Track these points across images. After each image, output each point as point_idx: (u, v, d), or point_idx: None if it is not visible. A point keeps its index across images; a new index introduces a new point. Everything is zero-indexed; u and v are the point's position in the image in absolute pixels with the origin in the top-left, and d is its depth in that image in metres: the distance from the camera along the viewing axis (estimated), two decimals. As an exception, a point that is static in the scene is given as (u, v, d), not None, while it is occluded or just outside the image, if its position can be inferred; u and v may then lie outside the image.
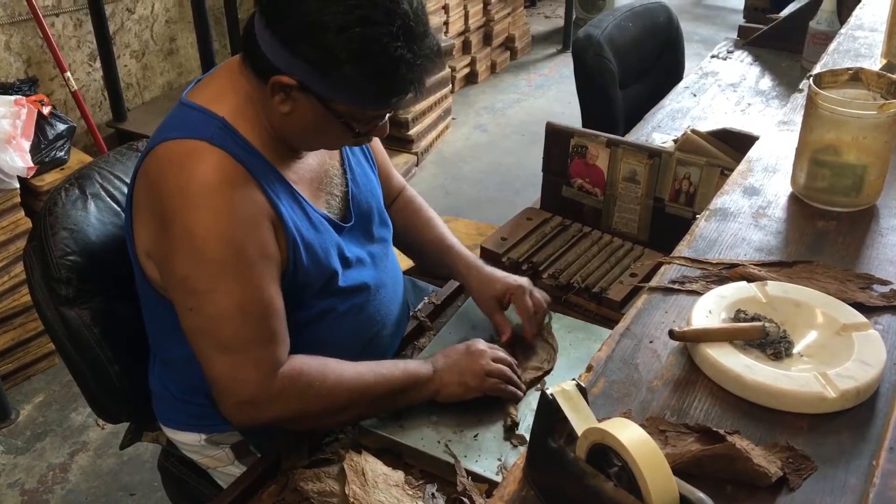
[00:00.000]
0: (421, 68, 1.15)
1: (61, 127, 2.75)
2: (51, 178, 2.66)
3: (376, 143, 1.52)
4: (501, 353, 1.36)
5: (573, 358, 1.43)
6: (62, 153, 2.73)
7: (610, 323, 1.50)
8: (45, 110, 2.74)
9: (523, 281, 1.49)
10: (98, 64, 3.40)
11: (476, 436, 1.27)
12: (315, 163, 1.34)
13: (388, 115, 1.24)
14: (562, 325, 1.50)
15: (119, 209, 1.44)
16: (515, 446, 1.24)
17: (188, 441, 1.45)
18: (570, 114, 3.88)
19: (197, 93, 1.25)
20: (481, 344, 1.37)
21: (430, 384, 1.31)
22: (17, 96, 2.68)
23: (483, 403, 1.32)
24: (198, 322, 1.19)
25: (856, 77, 1.27)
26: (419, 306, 1.61)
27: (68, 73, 3.05)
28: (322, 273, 1.28)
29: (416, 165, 3.90)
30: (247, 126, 1.21)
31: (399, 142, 3.88)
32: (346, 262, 1.33)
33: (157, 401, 1.45)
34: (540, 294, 1.48)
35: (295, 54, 1.12)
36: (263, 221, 1.20)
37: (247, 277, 1.17)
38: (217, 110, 1.21)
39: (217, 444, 1.44)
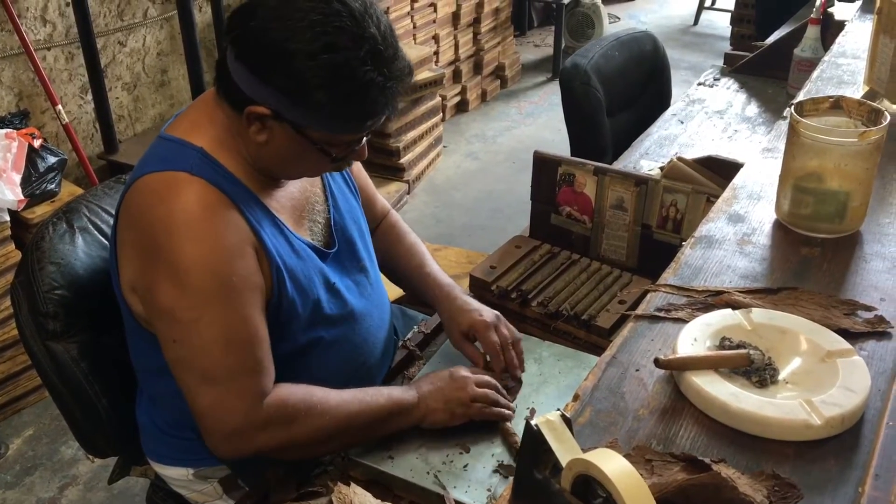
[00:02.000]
0: (392, 90, 1.16)
1: (52, 160, 2.76)
2: (42, 211, 2.66)
3: (357, 167, 1.53)
4: (485, 377, 1.36)
5: (562, 386, 1.43)
6: (53, 185, 2.74)
7: (599, 350, 1.49)
8: (37, 143, 2.74)
9: (489, 316, 1.44)
10: (90, 96, 3.41)
11: (465, 466, 1.26)
12: (296, 190, 1.34)
13: (364, 139, 1.24)
14: (551, 353, 1.50)
15: (107, 243, 1.44)
16: (505, 477, 1.24)
17: (176, 476, 1.44)
18: (560, 141, 3.91)
19: (175, 126, 1.26)
20: (464, 370, 1.36)
21: (415, 411, 1.30)
22: (8, 130, 2.69)
23: (472, 431, 1.31)
24: (182, 353, 1.18)
25: (837, 105, 1.28)
26: (409, 335, 1.60)
27: (59, 107, 3.06)
28: (306, 301, 1.28)
29: (408, 193, 3.91)
30: (226, 155, 1.22)
31: (390, 170, 3.90)
32: (330, 290, 1.33)
33: (144, 435, 1.44)
34: (507, 329, 1.45)
35: (266, 83, 1.13)
36: (247, 249, 1.20)
37: (232, 307, 1.17)
38: (195, 141, 1.21)
39: (205, 478, 1.43)
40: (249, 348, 1.19)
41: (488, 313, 1.46)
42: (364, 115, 1.16)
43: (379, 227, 1.62)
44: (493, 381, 1.37)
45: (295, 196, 1.33)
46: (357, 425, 1.26)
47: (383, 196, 1.67)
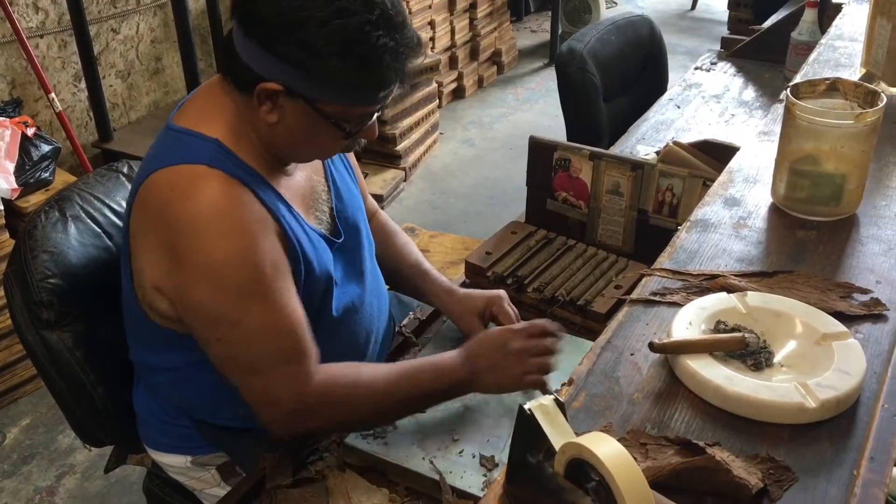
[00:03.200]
0: (404, 57, 1.14)
1: (46, 148, 2.74)
2: (35, 200, 2.65)
3: (352, 161, 1.52)
4: (543, 344, 1.30)
5: (558, 370, 1.42)
6: (47, 174, 2.73)
7: (595, 335, 1.48)
8: (30, 132, 2.73)
9: (500, 291, 1.52)
10: (83, 84, 3.39)
11: (461, 452, 1.26)
12: (303, 179, 1.33)
13: (375, 115, 1.22)
14: (547, 339, 1.50)
15: (100, 231, 1.44)
16: (488, 469, 1.23)
17: (174, 463, 1.43)
18: (557, 127, 3.89)
19: (184, 116, 1.23)
20: (517, 341, 1.29)
21: (467, 387, 1.30)
22: (1, 118, 2.68)
23: (466, 418, 1.31)
24: (226, 350, 1.18)
25: (833, 87, 1.27)
26: (404, 322, 1.60)
27: (53, 94, 3.04)
28: (317, 289, 1.28)
29: (404, 181, 3.90)
30: (239, 145, 1.20)
31: (387, 157, 3.89)
32: (337, 279, 1.33)
33: (141, 423, 1.44)
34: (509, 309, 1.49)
35: (277, 57, 1.11)
36: (272, 236, 1.19)
37: (270, 298, 1.16)
38: (209, 132, 1.19)
39: (203, 465, 1.43)
40: (292, 335, 1.19)
41: (497, 290, 1.52)
42: (378, 82, 1.14)
43: (370, 224, 1.60)
44: (547, 345, 1.31)
45: (302, 185, 1.32)
46: (408, 403, 1.28)
47: (380, 183, 1.67)
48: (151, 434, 1.44)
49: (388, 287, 1.58)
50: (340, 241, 1.35)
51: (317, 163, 1.38)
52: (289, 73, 1.12)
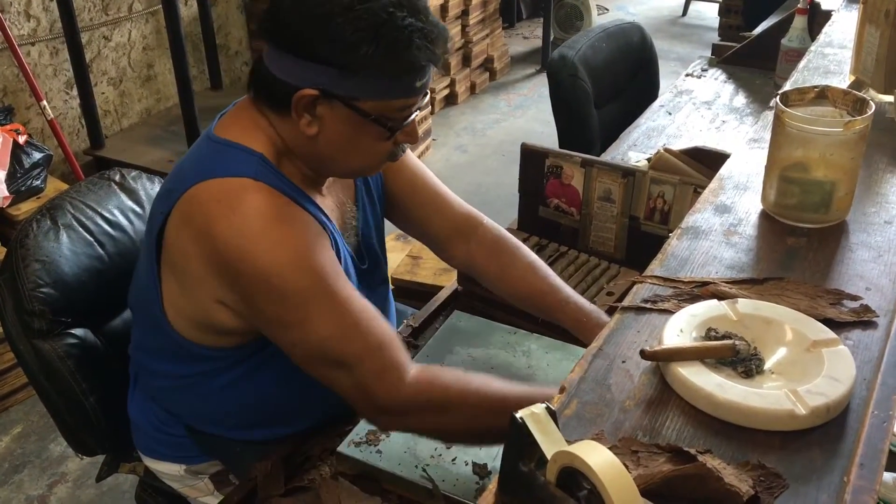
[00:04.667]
0: (433, 37, 1.14)
1: (38, 156, 2.74)
2: (27, 208, 2.65)
3: (416, 166, 1.48)
4: None
5: (551, 378, 1.42)
6: (39, 182, 2.72)
7: (586, 342, 1.50)
8: (21, 139, 2.73)
9: None
10: (75, 92, 3.39)
11: (454, 459, 1.26)
12: (335, 200, 1.33)
13: (415, 113, 1.21)
14: (539, 346, 1.50)
15: (92, 240, 1.43)
16: (480, 476, 1.23)
17: (168, 471, 1.43)
18: (549, 133, 3.90)
19: (226, 129, 1.22)
20: None
21: None
22: (-7, 126, 2.67)
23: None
24: (306, 351, 1.17)
25: (822, 94, 1.28)
26: (398, 329, 1.61)
27: (45, 102, 3.04)
28: None
29: (397, 187, 3.90)
30: (281, 163, 1.20)
31: (379, 164, 3.89)
32: None
33: (136, 430, 1.44)
34: None
35: (311, 60, 1.12)
36: (323, 239, 1.19)
37: (334, 294, 1.16)
38: (254, 146, 1.19)
39: (196, 474, 1.42)
40: (366, 328, 1.17)
41: None
42: (410, 65, 1.13)
43: (473, 238, 1.51)
44: None
45: (334, 208, 1.32)
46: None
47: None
48: (146, 441, 1.43)
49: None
50: (364, 267, 1.35)
51: (349, 185, 1.37)
52: (324, 73, 1.12)
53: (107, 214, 1.48)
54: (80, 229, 1.43)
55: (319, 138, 1.17)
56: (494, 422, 1.14)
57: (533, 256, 1.51)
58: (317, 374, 1.19)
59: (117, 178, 1.56)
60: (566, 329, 1.44)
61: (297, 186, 1.21)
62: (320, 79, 1.12)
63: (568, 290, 1.46)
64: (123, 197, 1.53)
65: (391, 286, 1.80)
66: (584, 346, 1.41)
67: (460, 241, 1.51)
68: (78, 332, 1.38)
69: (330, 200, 1.32)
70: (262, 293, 1.13)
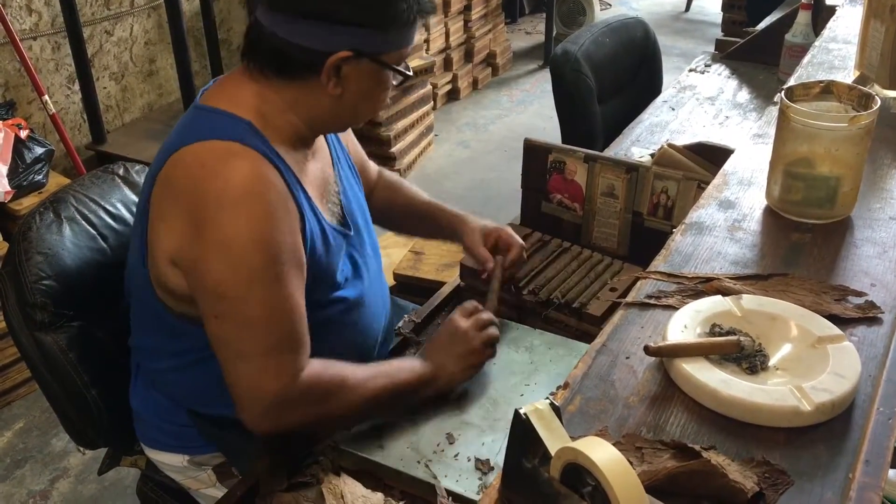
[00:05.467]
0: None
1: (39, 150, 2.74)
2: (29, 202, 2.65)
3: (348, 134, 1.54)
4: (483, 316, 1.39)
5: (553, 374, 1.42)
6: (40, 177, 2.72)
7: (590, 338, 1.49)
8: (23, 134, 2.73)
9: (506, 226, 1.61)
10: (77, 86, 3.39)
11: (456, 455, 1.26)
12: (318, 169, 1.35)
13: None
14: (542, 342, 1.50)
15: (95, 233, 1.43)
16: (483, 472, 1.23)
17: (171, 462, 1.43)
18: (551, 129, 3.90)
19: (213, 98, 1.25)
20: (459, 322, 1.38)
21: (437, 381, 1.33)
22: (-5, 120, 2.67)
23: (462, 422, 1.31)
24: (223, 329, 1.18)
25: (827, 90, 1.28)
26: (400, 324, 1.60)
27: (46, 97, 3.04)
28: (324, 283, 1.30)
29: (399, 183, 3.90)
30: (269, 130, 1.22)
31: (381, 159, 3.88)
32: (343, 273, 1.34)
33: (138, 421, 1.44)
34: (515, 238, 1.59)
35: (341, 23, 1.15)
36: (295, 225, 1.20)
37: (278, 285, 1.17)
38: (240, 114, 1.21)
39: (199, 465, 1.42)
40: (291, 326, 1.19)
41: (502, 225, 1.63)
42: (425, 15, 1.21)
43: (377, 186, 1.66)
44: (488, 315, 1.41)
45: (318, 176, 1.34)
46: (385, 401, 1.29)
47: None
48: (149, 432, 1.43)
49: (392, 282, 1.60)
50: (351, 233, 1.37)
51: (327, 156, 1.40)
52: (355, 35, 1.16)
53: (109, 208, 1.48)
54: (83, 222, 1.43)
55: (344, 97, 1.22)
56: (366, 404, 1.27)
57: (412, 185, 1.71)
58: (220, 356, 1.19)
59: (121, 171, 1.55)
60: (444, 233, 1.64)
61: (282, 157, 1.22)
62: (353, 40, 1.17)
63: (437, 201, 1.66)
64: (126, 190, 1.53)
65: (393, 281, 1.80)
66: (579, 336, 1.41)
67: (374, 189, 1.66)
68: (80, 324, 1.37)
69: (314, 168, 1.33)
70: (217, 257, 1.14)
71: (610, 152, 2.22)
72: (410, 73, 1.27)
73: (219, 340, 1.19)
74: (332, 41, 1.16)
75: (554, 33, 5.45)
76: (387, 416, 1.31)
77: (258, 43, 1.21)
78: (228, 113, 1.21)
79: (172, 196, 1.18)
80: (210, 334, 1.20)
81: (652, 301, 1.10)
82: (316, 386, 1.22)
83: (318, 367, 1.23)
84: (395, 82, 1.26)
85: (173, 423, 1.39)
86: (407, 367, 1.33)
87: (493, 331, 1.39)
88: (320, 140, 1.37)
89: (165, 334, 1.30)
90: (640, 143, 2.33)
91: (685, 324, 1.01)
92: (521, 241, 1.59)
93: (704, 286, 1.11)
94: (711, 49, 3.07)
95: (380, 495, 1.21)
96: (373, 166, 1.67)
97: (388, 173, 1.70)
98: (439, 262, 2.42)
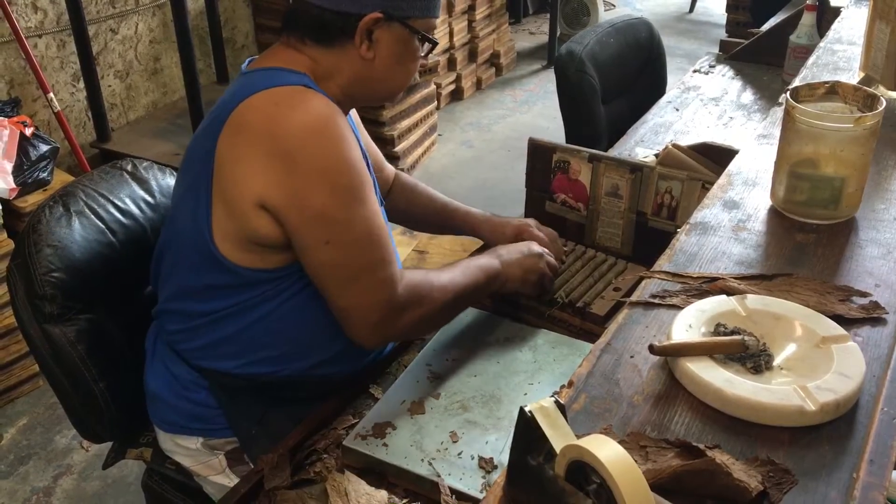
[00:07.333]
0: None
1: (44, 148, 2.74)
2: (34, 200, 2.65)
3: (366, 136, 1.60)
4: (554, 262, 1.59)
5: (557, 373, 1.42)
6: (45, 174, 2.73)
7: (594, 338, 1.49)
8: (28, 131, 2.73)
9: (529, 220, 1.69)
10: (82, 84, 3.39)
11: (460, 453, 1.26)
12: None
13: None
14: (546, 341, 1.50)
15: (103, 227, 1.44)
16: (487, 471, 1.23)
17: (184, 444, 1.43)
18: (555, 129, 3.90)
19: (263, 63, 1.31)
20: (535, 246, 1.56)
21: (500, 276, 1.48)
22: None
23: (466, 420, 1.31)
24: (336, 254, 1.24)
25: (832, 90, 1.28)
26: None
27: (51, 94, 3.04)
28: None
29: (403, 182, 3.91)
30: (322, 87, 1.29)
31: (385, 158, 3.89)
32: None
33: (153, 404, 1.43)
34: (547, 229, 1.70)
35: None
36: (362, 154, 1.29)
37: (370, 201, 1.26)
38: (297, 69, 1.28)
39: (213, 449, 1.42)
40: (386, 239, 1.29)
41: (528, 219, 1.71)
42: None
43: (393, 186, 1.74)
44: (554, 262, 1.59)
45: None
46: (464, 297, 1.42)
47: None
48: (164, 414, 1.42)
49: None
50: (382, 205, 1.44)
51: None
52: None
53: (118, 203, 1.48)
54: (92, 216, 1.44)
55: (375, 61, 1.29)
56: (453, 301, 1.39)
57: (429, 188, 1.78)
58: (328, 283, 1.26)
59: (129, 167, 1.56)
60: (465, 231, 1.72)
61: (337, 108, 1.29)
62: (384, 2, 1.25)
63: (458, 203, 1.74)
64: (135, 186, 1.54)
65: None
66: (582, 336, 1.41)
67: (391, 190, 1.74)
68: (88, 317, 1.38)
69: None
70: (317, 184, 1.20)
71: (614, 152, 2.22)
72: (437, 42, 1.35)
73: (330, 267, 1.25)
74: (363, 3, 1.24)
75: (558, 33, 5.45)
76: (464, 308, 1.48)
77: (297, 13, 1.28)
78: (286, 69, 1.28)
79: (248, 139, 1.22)
80: (319, 264, 1.25)
81: (656, 300, 1.10)
82: (413, 291, 1.31)
83: (407, 275, 1.33)
84: (422, 54, 1.33)
85: (189, 401, 1.39)
86: (477, 264, 1.45)
87: (552, 269, 1.57)
88: None
89: (213, 291, 1.31)
90: (644, 143, 2.33)
91: (690, 323, 1.01)
92: (549, 230, 1.69)
93: (709, 286, 1.12)
94: (715, 50, 3.08)
95: (383, 493, 1.21)
96: (389, 168, 1.74)
97: (404, 175, 1.77)
98: (442, 260, 2.43)
